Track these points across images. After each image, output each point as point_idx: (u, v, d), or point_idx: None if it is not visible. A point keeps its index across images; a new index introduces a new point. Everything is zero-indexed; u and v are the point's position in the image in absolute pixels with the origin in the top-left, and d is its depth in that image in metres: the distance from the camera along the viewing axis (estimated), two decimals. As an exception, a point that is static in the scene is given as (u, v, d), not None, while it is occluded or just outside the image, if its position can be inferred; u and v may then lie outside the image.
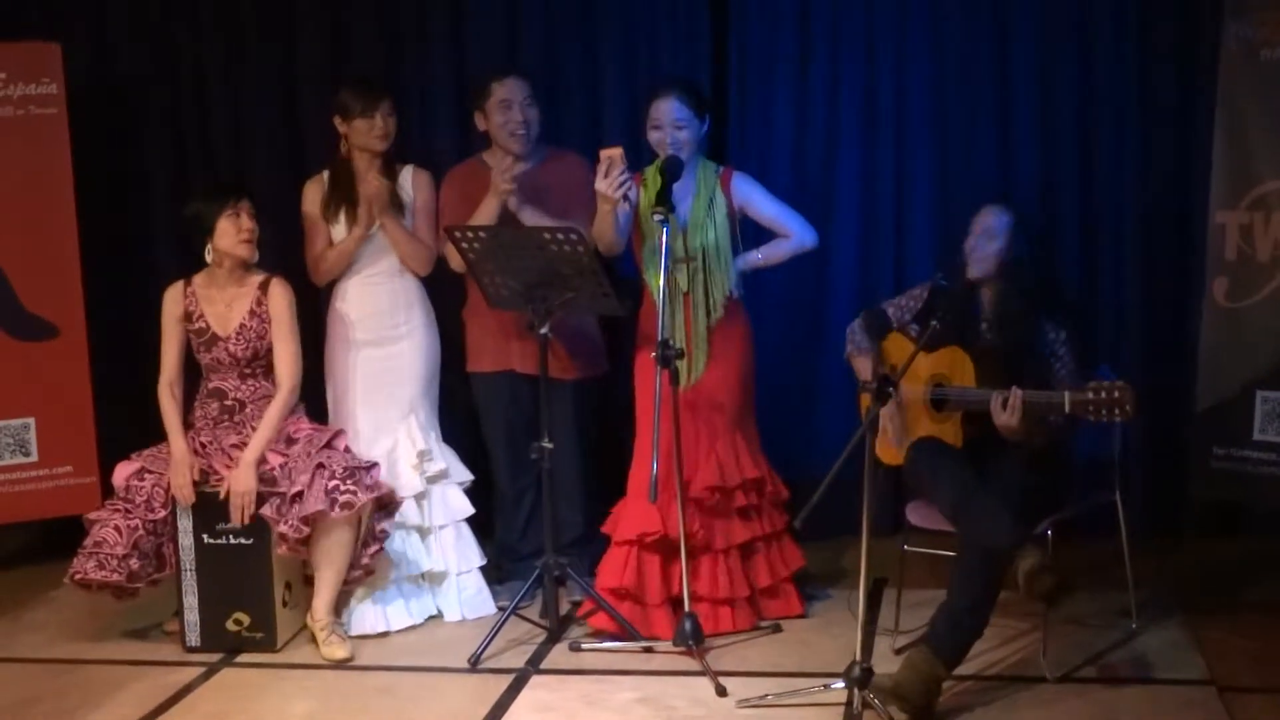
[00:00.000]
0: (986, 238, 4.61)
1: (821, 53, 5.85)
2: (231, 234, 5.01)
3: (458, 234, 4.87)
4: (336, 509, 4.83)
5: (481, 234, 4.85)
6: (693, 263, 4.97)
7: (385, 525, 5.07)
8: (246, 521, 4.91)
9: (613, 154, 4.78)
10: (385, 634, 5.13)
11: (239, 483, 4.90)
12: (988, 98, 5.78)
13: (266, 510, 4.90)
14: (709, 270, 4.99)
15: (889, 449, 4.70)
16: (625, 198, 4.81)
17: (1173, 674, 4.58)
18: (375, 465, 5.07)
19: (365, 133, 5.19)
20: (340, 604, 5.11)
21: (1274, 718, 4.25)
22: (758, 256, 5.11)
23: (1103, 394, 4.20)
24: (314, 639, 5.01)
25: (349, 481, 4.88)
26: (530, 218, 5.07)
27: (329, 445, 5.00)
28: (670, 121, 4.90)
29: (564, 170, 5.20)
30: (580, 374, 5.33)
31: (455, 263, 5.05)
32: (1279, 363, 5.29)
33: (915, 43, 5.80)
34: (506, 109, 5.16)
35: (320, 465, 4.89)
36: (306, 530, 4.86)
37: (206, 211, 5.02)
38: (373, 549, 5.05)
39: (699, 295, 4.99)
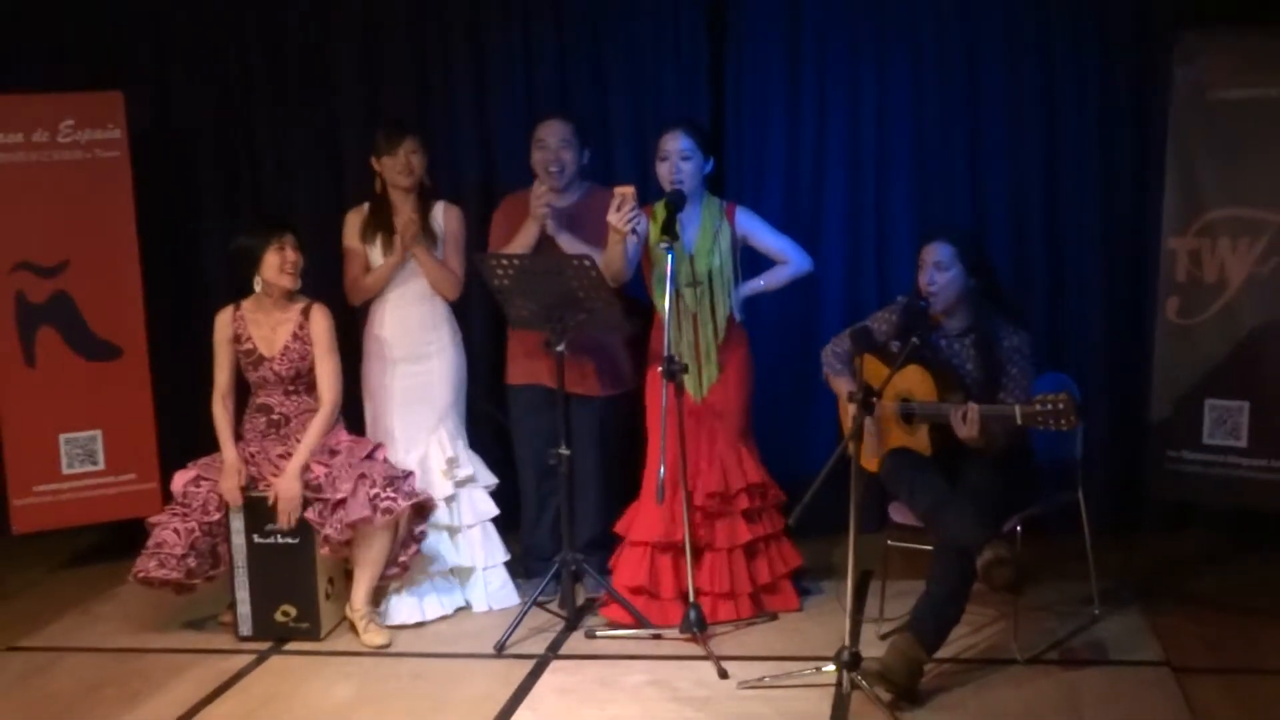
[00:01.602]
0: (937, 270, 4.58)
1: (809, 95, 5.86)
2: (276, 266, 5.03)
3: (483, 260, 4.90)
4: (379, 515, 4.85)
5: (504, 260, 4.87)
6: (700, 286, 5.00)
7: (422, 528, 5.09)
8: (292, 525, 4.94)
9: (625, 191, 4.81)
10: (420, 624, 5.15)
11: (285, 490, 4.93)
12: (961, 134, 5.80)
13: (311, 514, 4.92)
14: (714, 293, 5.01)
15: (869, 457, 4.70)
16: (634, 231, 4.84)
17: (1131, 656, 4.59)
18: (412, 474, 5.09)
19: (391, 168, 5.20)
20: (378, 597, 5.13)
21: (1224, 696, 4.25)
22: (760, 283, 5.13)
23: (1048, 406, 4.20)
24: (354, 628, 5.03)
25: (389, 489, 4.90)
26: (566, 242, 5.10)
27: (369, 456, 5.01)
28: (677, 152, 4.93)
29: (602, 206, 5.21)
30: (606, 391, 5.33)
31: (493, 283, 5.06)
32: (1225, 374, 5.29)
33: (896, 88, 5.81)
34: (542, 148, 5.19)
35: (362, 475, 4.91)
36: (350, 534, 4.88)
37: (254, 246, 5.04)
38: (411, 550, 5.07)
39: (705, 315, 5.02)
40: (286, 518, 4.93)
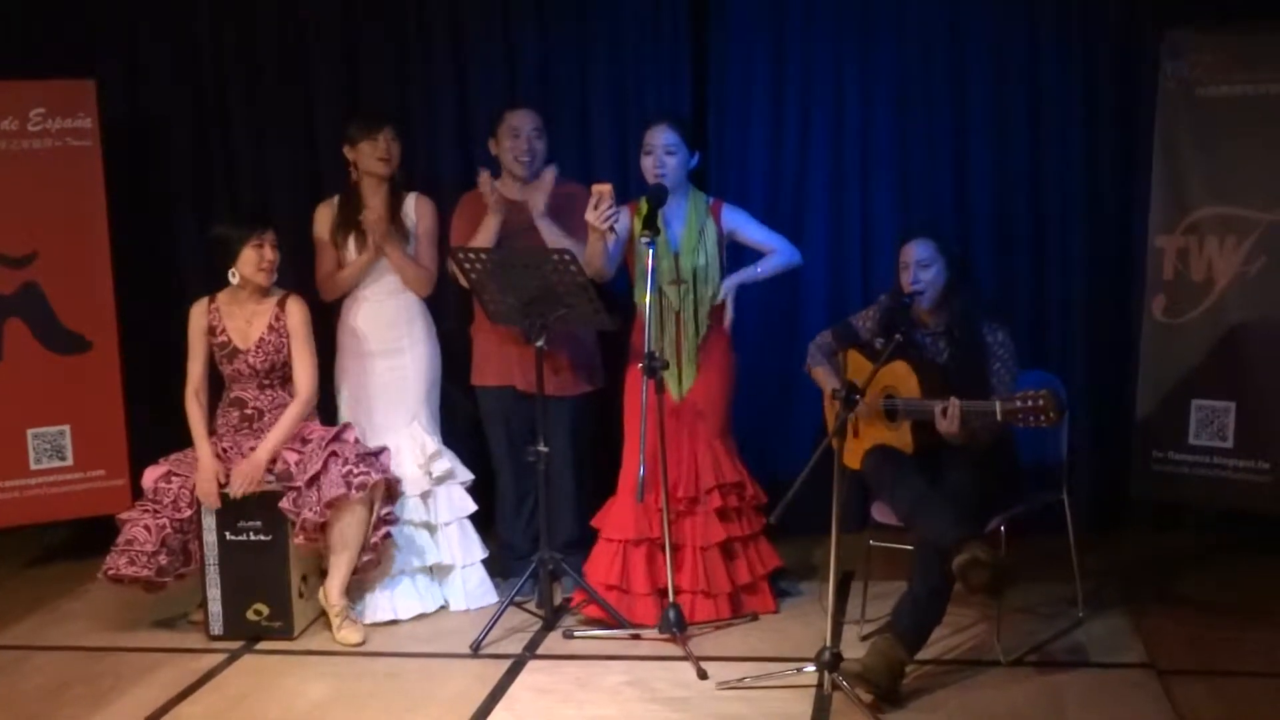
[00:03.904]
0: (919, 268, 4.61)
1: (793, 89, 5.87)
2: (253, 262, 5.03)
3: (460, 255, 4.91)
4: (353, 490, 4.86)
5: (483, 255, 4.88)
6: (684, 284, 5.02)
7: (389, 509, 5.09)
8: (236, 496, 4.92)
9: (602, 189, 4.81)
10: (394, 622, 5.15)
11: (244, 466, 4.94)
12: (946, 130, 5.81)
13: (285, 504, 4.92)
14: (698, 291, 5.03)
15: (854, 454, 4.72)
16: (612, 229, 4.85)
17: (1116, 658, 4.61)
18: (384, 450, 5.11)
19: (369, 155, 5.20)
20: (353, 595, 5.12)
21: (1208, 698, 4.27)
22: (758, 270, 5.11)
23: (1028, 402, 4.23)
24: (328, 625, 5.03)
25: (362, 465, 4.91)
26: (547, 229, 5.10)
27: (338, 438, 5.01)
28: (661, 145, 4.94)
29: (567, 198, 5.18)
30: (577, 390, 5.34)
31: (465, 280, 5.07)
32: (1212, 373, 5.34)
33: (879, 84, 5.82)
34: (514, 136, 5.19)
35: (333, 453, 4.92)
36: (329, 514, 4.88)
37: (233, 238, 5.03)
38: (381, 532, 5.06)
39: (689, 313, 5.03)
40: (237, 487, 4.92)
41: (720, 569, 5.02)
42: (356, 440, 5.06)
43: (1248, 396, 5.28)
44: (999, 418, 4.29)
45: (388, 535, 5.10)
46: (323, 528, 4.93)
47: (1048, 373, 5.00)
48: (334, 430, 5.05)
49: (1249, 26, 5.31)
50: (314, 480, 4.89)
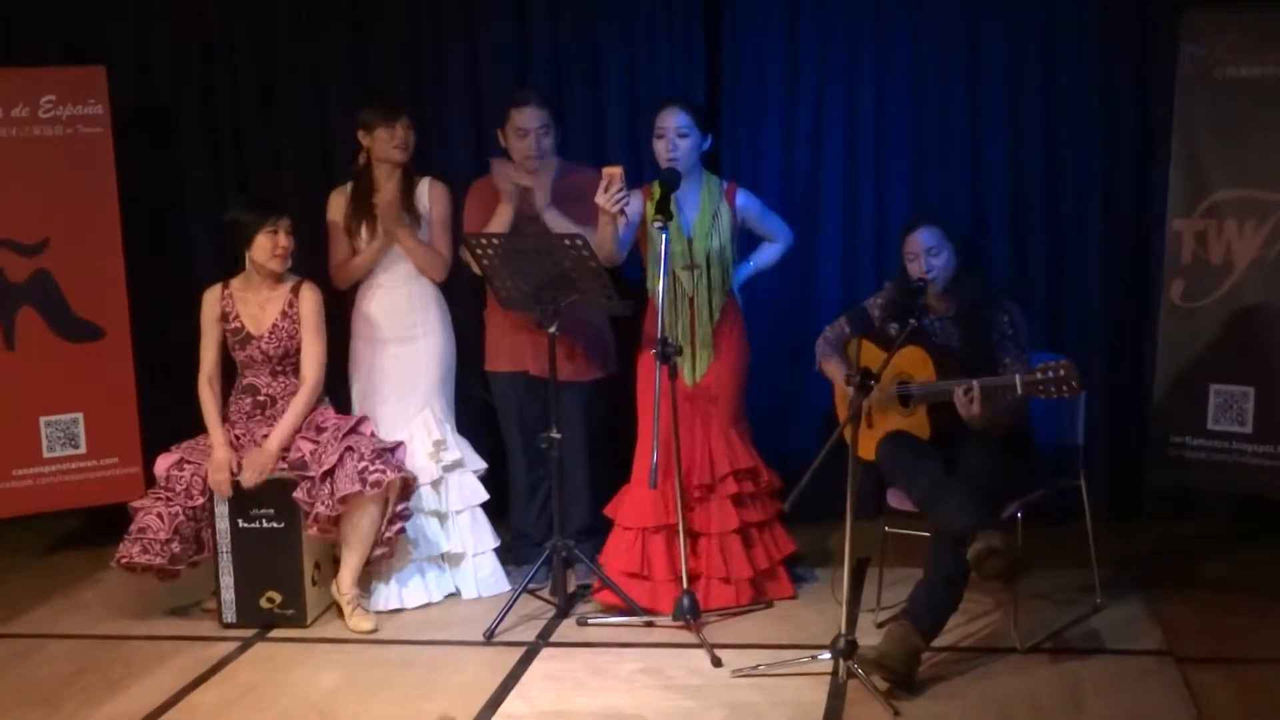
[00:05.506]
0: (929, 255, 4.59)
1: (807, 75, 5.84)
2: (267, 249, 5.02)
3: (472, 241, 4.90)
4: (368, 487, 4.85)
5: (495, 240, 4.87)
6: (697, 269, 5.00)
7: (404, 505, 5.09)
8: (250, 486, 4.91)
9: (613, 172, 4.78)
10: (400, 610, 5.15)
11: (256, 456, 4.93)
12: (961, 113, 5.77)
13: (299, 494, 4.91)
14: (711, 276, 5.01)
15: (868, 443, 4.70)
16: (623, 212, 4.83)
17: (1133, 645, 4.59)
18: (400, 444, 5.10)
19: (386, 142, 5.18)
20: (365, 582, 5.13)
21: (1226, 686, 4.26)
22: (751, 266, 5.18)
23: (1050, 373, 4.21)
24: (340, 613, 5.03)
25: (378, 461, 4.90)
26: (553, 219, 5.08)
27: (355, 430, 5.00)
28: (673, 128, 4.92)
29: (580, 183, 5.17)
30: (590, 376, 5.33)
31: (477, 267, 5.05)
32: (1231, 358, 5.30)
33: (894, 67, 5.79)
34: (522, 136, 5.14)
35: (349, 448, 4.91)
36: (341, 509, 4.88)
37: (248, 223, 5.02)
38: (395, 527, 5.06)
39: (702, 299, 5.01)
40: (250, 478, 4.91)
41: (739, 554, 5.01)
42: (373, 434, 5.05)
43: (1267, 381, 5.23)
44: (1019, 391, 4.27)
45: (401, 530, 5.10)
46: (336, 521, 4.92)
47: (1056, 354, 4.96)
48: (351, 421, 5.04)
49: (1267, 6, 5.26)
50: (328, 474, 4.88)
